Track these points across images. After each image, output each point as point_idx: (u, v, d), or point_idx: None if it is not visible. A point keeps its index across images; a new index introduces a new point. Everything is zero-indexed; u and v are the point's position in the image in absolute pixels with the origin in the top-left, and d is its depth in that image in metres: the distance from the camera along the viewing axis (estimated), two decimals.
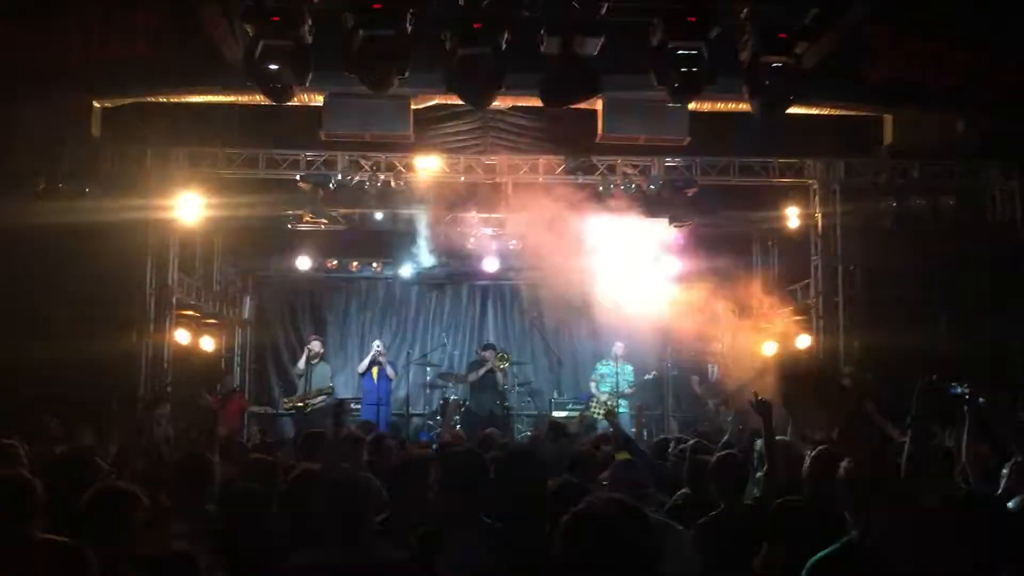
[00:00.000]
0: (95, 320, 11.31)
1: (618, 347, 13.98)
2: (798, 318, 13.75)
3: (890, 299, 12.07)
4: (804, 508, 4.57)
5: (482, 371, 14.05)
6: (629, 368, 14.01)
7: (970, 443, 5.26)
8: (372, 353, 13.95)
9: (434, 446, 8.16)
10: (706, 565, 4.47)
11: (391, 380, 14.04)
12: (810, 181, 13.10)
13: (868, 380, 8.08)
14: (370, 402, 13.62)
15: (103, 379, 11.09)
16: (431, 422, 14.33)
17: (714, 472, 5.20)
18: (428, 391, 15.43)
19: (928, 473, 3.41)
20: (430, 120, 11.71)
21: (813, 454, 4.84)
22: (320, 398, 13.40)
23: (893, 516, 3.32)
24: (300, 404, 13.28)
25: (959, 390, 4.46)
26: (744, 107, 9.89)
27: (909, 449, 3.45)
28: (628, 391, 13.88)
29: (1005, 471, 5.06)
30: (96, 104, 11.13)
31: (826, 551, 3.67)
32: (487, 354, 14.31)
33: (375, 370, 13.88)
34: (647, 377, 14.30)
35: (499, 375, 14.05)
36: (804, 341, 13.21)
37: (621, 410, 13.68)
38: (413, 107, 10.60)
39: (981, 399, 4.43)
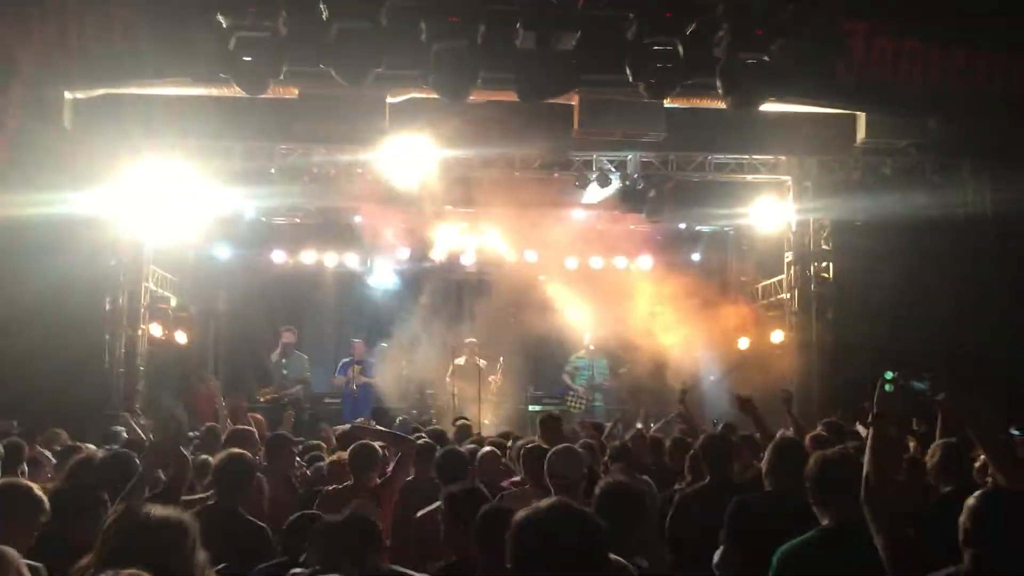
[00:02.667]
0: (68, 313, 11.21)
1: (589, 339, 14.01)
2: (772, 313, 13.85)
3: (862, 295, 12.17)
4: (764, 503, 4.60)
5: (461, 366, 14.05)
6: (604, 361, 14.06)
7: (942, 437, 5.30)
8: (350, 369, 13.84)
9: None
10: None
11: (370, 385, 13.92)
12: (784, 177, 13.17)
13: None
14: (348, 402, 13.57)
15: (75, 371, 11.01)
16: (406, 416, 14.30)
17: None
18: (404, 384, 15.40)
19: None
20: (406, 114, 11.67)
21: (774, 444, 4.89)
22: (296, 387, 13.35)
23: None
24: (275, 396, 13.20)
25: (922, 386, 4.48)
26: (720, 103, 9.94)
27: (869, 446, 3.49)
28: (605, 384, 13.94)
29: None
30: (68, 95, 11.01)
31: (796, 540, 3.72)
32: (466, 350, 14.29)
33: (355, 371, 13.80)
34: (621, 371, 14.34)
35: (478, 370, 14.01)
36: (777, 336, 13.31)
37: (596, 403, 13.74)
38: (389, 101, 10.57)
39: (940, 395, 4.47)
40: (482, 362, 14.11)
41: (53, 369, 10.54)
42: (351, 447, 6.11)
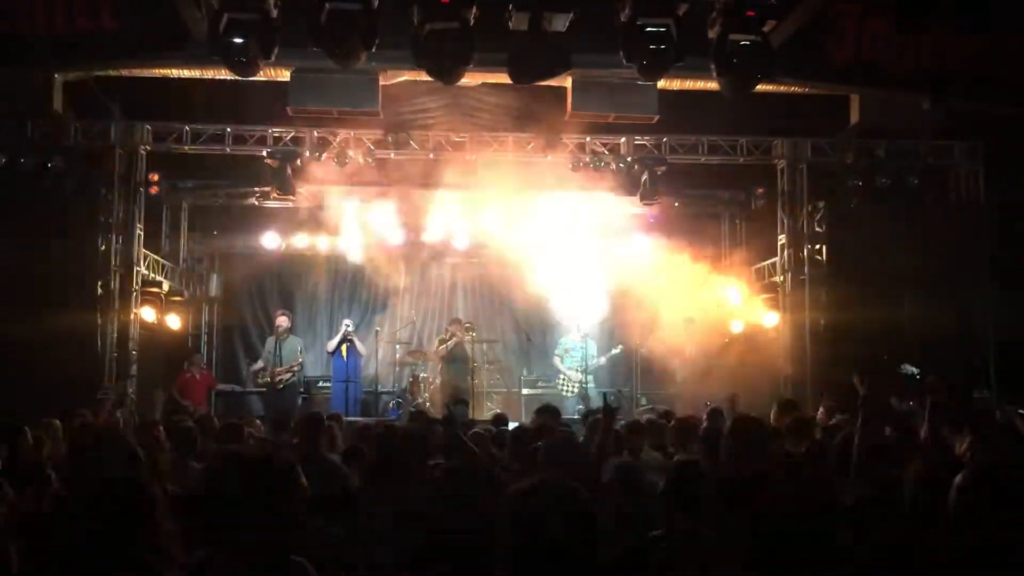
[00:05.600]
0: (59, 297, 11.19)
1: (581, 322, 13.97)
2: (765, 296, 13.84)
3: (855, 277, 12.19)
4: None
5: (450, 343, 13.97)
6: (594, 344, 14.04)
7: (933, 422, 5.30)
8: (342, 331, 13.83)
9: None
10: None
11: (361, 356, 13.90)
12: (777, 160, 13.16)
13: None
14: (340, 379, 13.54)
15: (67, 355, 10.99)
16: (400, 400, 14.30)
17: None
18: (397, 369, 15.39)
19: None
20: (399, 96, 11.63)
21: None
22: (289, 374, 13.27)
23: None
24: (270, 381, 13.14)
25: (911, 370, 4.49)
26: (713, 85, 9.91)
27: (858, 432, 3.51)
28: (594, 365, 13.91)
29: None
30: (58, 77, 10.95)
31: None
32: (453, 327, 14.23)
33: (344, 348, 13.76)
34: (614, 352, 14.31)
35: (468, 347, 13.93)
36: (771, 319, 13.32)
37: (589, 385, 13.71)
38: (381, 83, 10.52)
39: (928, 378, 4.48)
40: (469, 337, 13.98)
41: (45, 352, 10.52)
42: None
